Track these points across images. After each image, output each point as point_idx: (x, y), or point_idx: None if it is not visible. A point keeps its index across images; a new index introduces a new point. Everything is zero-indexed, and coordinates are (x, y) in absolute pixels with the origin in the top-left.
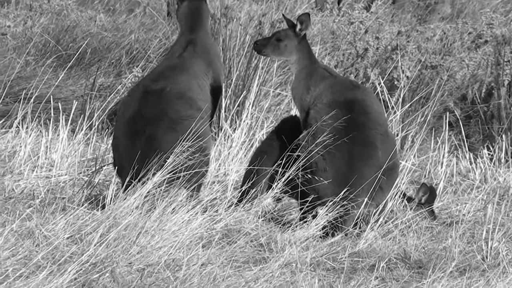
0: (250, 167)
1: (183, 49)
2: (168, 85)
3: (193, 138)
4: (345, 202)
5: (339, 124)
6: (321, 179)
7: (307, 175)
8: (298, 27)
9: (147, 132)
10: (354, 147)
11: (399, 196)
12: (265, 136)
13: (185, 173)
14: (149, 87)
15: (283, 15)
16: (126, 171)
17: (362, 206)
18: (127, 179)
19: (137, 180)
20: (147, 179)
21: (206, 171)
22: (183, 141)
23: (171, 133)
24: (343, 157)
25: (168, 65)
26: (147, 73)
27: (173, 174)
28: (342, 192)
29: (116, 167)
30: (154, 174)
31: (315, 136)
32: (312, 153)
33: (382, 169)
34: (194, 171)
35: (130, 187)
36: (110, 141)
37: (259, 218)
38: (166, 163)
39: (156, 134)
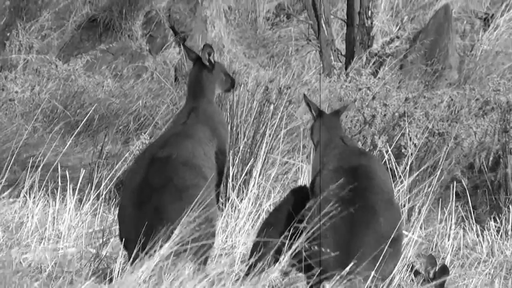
0: (257, 239)
1: (186, 117)
2: (174, 152)
3: (199, 208)
4: (351, 276)
5: (342, 190)
6: (322, 249)
7: (311, 247)
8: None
9: (153, 202)
10: (354, 211)
11: (407, 270)
12: (272, 207)
13: (192, 245)
14: (155, 155)
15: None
16: (133, 243)
17: (369, 280)
18: (135, 251)
19: (144, 252)
20: (154, 251)
21: (213, 243)
22: (189, 212)
23: (177, 203)
24: (344, 222)
25: (173, 132)
26: (154, 140)
27: (180, 246)
28: (344, 260)
29: (123, 240)
30: (161, 246)
31: (320, 204)
32: (315, 220)
33: (385, 238)
34: (201, 243)
35: (137, 260)
36: (117, 212)
37: None
38: (173, 234)
39: (162, 204)
